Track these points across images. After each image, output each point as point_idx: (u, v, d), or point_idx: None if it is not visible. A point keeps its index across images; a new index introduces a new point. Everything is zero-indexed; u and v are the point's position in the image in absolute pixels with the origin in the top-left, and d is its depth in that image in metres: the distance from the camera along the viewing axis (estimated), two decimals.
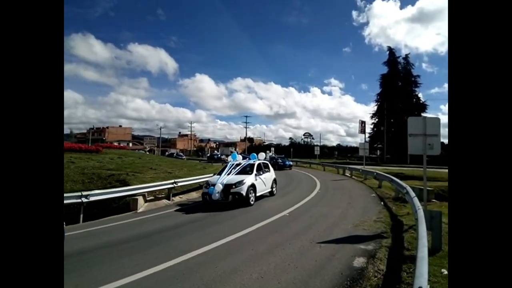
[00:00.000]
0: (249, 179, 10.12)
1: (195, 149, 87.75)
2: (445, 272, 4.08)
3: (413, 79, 52.02)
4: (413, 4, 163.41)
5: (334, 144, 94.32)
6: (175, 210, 9.72)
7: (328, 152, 73.20)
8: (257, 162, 11.53)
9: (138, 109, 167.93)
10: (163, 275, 4.28)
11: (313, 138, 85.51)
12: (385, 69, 53.80)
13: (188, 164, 25.81)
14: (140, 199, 10.31)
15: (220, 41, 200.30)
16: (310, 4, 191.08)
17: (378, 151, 49.42)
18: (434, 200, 11.13)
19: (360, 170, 19.95)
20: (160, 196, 11.73)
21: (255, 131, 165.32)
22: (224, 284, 3.94)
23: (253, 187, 10.16)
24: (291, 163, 30.17)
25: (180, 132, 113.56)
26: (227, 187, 9.63)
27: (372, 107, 57.20)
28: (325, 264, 4.60)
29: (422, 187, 7.60)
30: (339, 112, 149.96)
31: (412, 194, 7.37)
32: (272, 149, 52.12)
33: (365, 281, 4.00)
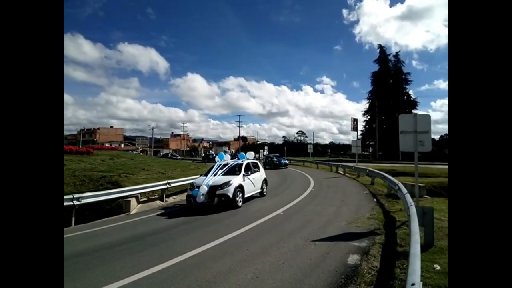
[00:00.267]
0: (236, 180, 9.64)
1: (188, 149, 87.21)
2: (438, 267, 4.14)
3: (403, 76, 52.71)
4: (402, 2, 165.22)
5: (327, 142, 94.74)
6: (169, 211, 9.65)
7: (321, 150, 73.54)
8: (245, 162, 11.02)
9: (129, 110, 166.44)
10: (157, 277, 4.24)
11: (306, 136, 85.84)
12: (376, 67, 54.34)
13: (181, 164, 25.66)
14: (133, 201, 10.21)
15: (212, 40, 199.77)
16: (301, 2, 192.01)
17: (370, 148, 49.93)
18: (426, 196, 11.29)
19: (353, 168, 20.11)
20: (153, 197, 11.63)
21: (249, 130, 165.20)
22: (219, 285, 3.93)
23: (240, 188, 9.68)
24: (286, 161, 29.94)
25: (172, 132, 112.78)
26: (213, 188, 9.10)
27: (364, 105, 57.90)
28: (320, 262, 4.62)
29: (413, 184, 7.70)
30: (331, 110, 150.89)
31: (404, 190, 7.46)
32: (266, 147, 52.17)
33: (359, 278, 4.03)
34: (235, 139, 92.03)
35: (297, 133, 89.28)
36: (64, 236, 6.74)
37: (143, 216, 9.00)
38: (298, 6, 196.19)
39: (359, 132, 51.81)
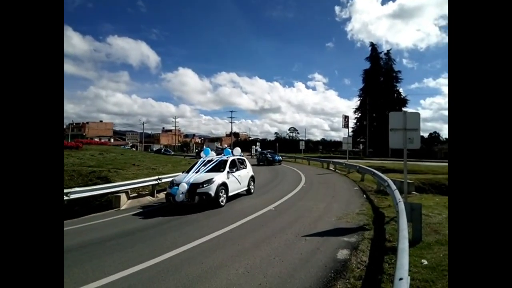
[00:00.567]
0: (219, 177, 9.11)
1: (179, 144, 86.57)
2: (425, 262, 4.24)
3: (394, 74, 53.39)
4: (394, 0, 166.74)
5: (319, 138, 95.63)
6: (160, 207, 9.59)
7: (313, 146, 74.09)
8: (231, 158, 10.44)
9: (119, 104, 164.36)
10: (147, 272, 4.22)
11: (298, 133, 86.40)
12: (367, 65, 54.85)
13: (172, 160, 25.48)
14: (123, 196, 10.10)
15: (204, 35, 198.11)
16: None
17: (361, 145, 50.54)
18: (414, 193, 11.49)
19: (344, 164, 20.33)
20: (143, 193, 11.53)
21: (241, 126, 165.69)
22: (210, 280, 3.93)
23: (224, 186, 9.15)
24: (280, 158, 29.65)
25: (163, 128, 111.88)
26: (193, 186, 8.54)
27: (355, 102, 58.32)
28: (310, 257, 4.67)
29: (402, 180, 7.82)
30: (323, 107, 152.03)
31: (393, 186, 7.58)
32: (258, 144, 52.23)
33: (348, 273, 4.09)
34: (227, 135, 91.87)
35: (289, 130, 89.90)
36: None
37: (133, 212, 8.91)
38: (291, 1, 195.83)
39: (350, 129, 52.24)
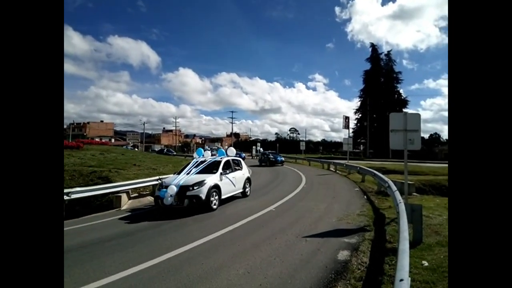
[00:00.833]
0: (211, 179, 8.63)
1: (180, 144, 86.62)
2: (426, 264, 4.23)
3: (395, 75, 53.37)
4: (394, 1, 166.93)
5: (319, 139, 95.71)
6: (161, 207, 9.57)
7: (314, 147, 74.15)
8: (224, 159, 9.93)
9: (120, 104, 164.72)
10: (148, 272, 4.22)
11: (298, 134, 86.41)
12: (368, 66, 54.86)
13: (173, 160, 25.50)
14: (124, 196, 10.10)
15: (204, 35, 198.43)
16: None
17: (361, 146, 50.52)
18: (415, 194, 11.49)
19: (344, 165, 20.32)
20: (144, 193, 11.54)
21: (241, 127, 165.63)
22: (210, 281, 3.93)
23: (216, 188, 8.67)
24: (282, 158, 29.11)
25: (164, 128, 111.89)
26: (183, 189, 8.10)
27: (356, 103, 58.46)
28: (311, 258, 4.67)
29: (403, 181, 7.81)
30: (323, 108, 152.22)
31: (394, 188, 7.57)
32: (259, 144, 52.24)
33: (349, 274, 4.09)
34: (227, 135, 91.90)
35: (289, 130, 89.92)
36: None
37: (134, 212, 8.93)
38: (292, 1, 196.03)
39: (351, 130, 52.23)
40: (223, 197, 9.07)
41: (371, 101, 51.18)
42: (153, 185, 11.47)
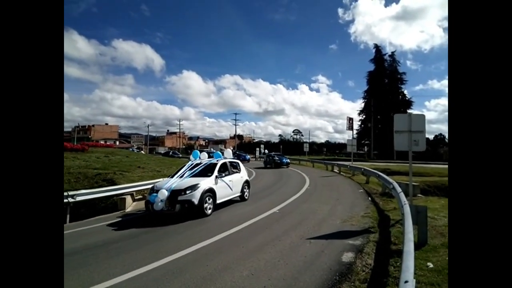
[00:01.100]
0: (205, 183, 8.16)
1: (184, 147, 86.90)
2: (431, 265, 4.20)
3: (399, 76, 53.11)
4: (397, 2, 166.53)
5: (323, 140, 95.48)
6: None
7: (317, 148, 73.97)
8: (221, 162, 9.45)
9: (124, 107, 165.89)
10: (152, 274, 4.24)
11: (302, 135, 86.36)
12: (371, 67, 54.67)
13: (177, 162, 25.58)
14: (128, 198, 10.16)
15: (207, 38, 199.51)
16: (297, 0, 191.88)
17: (365, 147, 50.25)
18: (419, 195, 11.41)
19: (348, 166, 20.22)
20: None
21: (245, 128, 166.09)
22: (214, 282, 3.94)
23: (211, 192, 8.21)
24: (288, 160, 28.41)
25: (168, 130, 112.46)
26: (174, 193, 7.68)
27: (360, 104, 58.23)
28: (315, 260, 4.65)
29: (408, 182, 7.77)
30: (327, 109, 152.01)
31: (398, 189, 7.53)
32: (262, 146, 52.25)
33: (353, 276, 4.07)
34: (231, 137, 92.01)
35: (293, 132, 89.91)
36: None
37: (138, 214, 8.96)
38: (294, 4, 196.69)
39: (355, 131, 52.14)
40: (218, 201, 8.62)
41: (375, 102, 50.95)
42: None
